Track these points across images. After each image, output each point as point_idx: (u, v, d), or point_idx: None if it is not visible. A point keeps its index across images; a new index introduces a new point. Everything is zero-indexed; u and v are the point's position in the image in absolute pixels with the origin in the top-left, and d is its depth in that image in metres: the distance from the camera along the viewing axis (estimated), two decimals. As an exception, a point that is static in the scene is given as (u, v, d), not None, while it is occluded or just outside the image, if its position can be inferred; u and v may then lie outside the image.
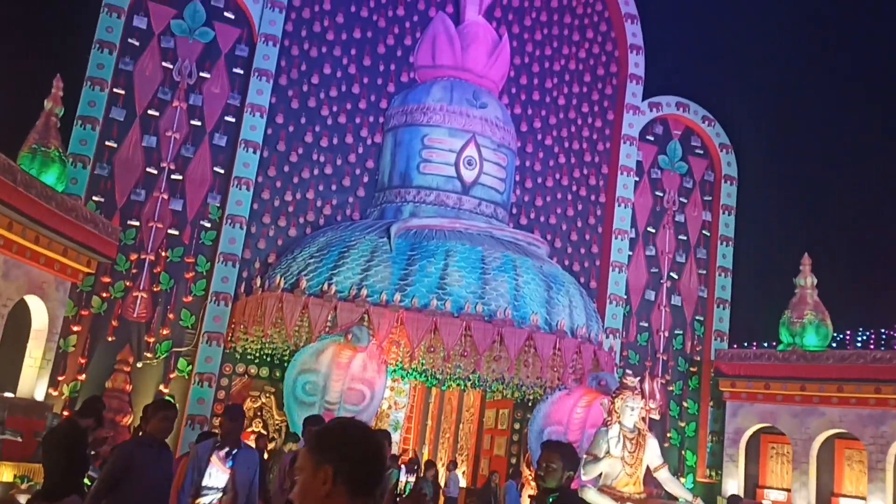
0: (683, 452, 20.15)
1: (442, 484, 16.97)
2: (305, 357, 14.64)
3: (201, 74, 17.61)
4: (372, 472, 2.74)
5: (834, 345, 19.32)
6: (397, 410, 17.75)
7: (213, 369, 16.33)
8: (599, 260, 20.49)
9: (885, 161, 26.78)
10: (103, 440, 11.31)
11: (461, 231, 16.67)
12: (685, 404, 20.48)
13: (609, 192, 20.82)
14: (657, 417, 18.51)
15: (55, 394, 15.18)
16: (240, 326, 15.94)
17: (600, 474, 9.99)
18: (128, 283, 16.39)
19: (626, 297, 20.26)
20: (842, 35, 30.48)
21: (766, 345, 19.82)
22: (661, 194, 21.49)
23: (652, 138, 21.70)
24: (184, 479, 6.76)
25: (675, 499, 11.08)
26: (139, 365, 16.13)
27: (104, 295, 16.16)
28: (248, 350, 16.15)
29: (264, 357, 16.36)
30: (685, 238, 21.49)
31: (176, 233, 16.90)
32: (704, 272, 21.47)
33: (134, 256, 16.50)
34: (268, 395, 16.72)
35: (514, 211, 19.66)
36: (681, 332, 20.90)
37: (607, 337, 19.10)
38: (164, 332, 16.44)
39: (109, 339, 16.03)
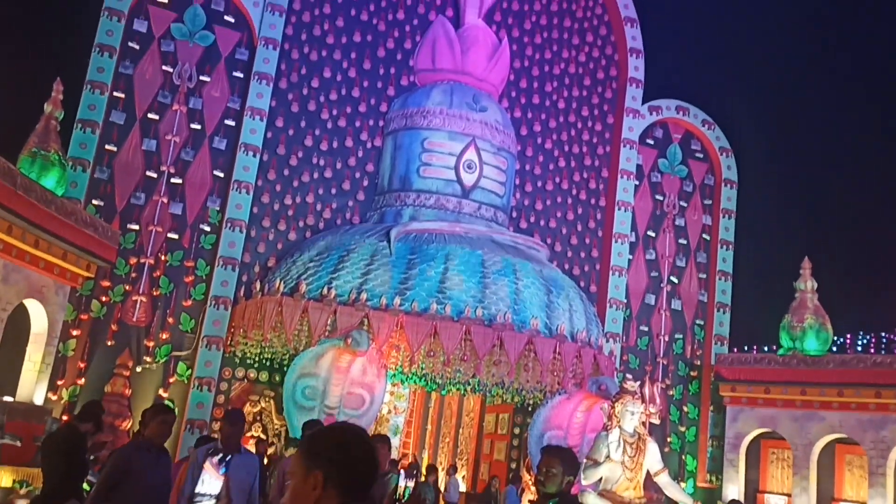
0: (684, 457, 20.12)
1: (442, 489, 16.94)
2: (305, 361, 14.62)
3: (201, 78, 17.61)
4: (363, 477, 2.73)
5: (834, 349, 19.29)
6: (397, 415, 17.73)
7: (212, 373, 16.31)
8: (599, 264, 20.48)
9: (886, 164, 26.79)
10: (102, 445, 11.28)
11: (461, 235, 16.65)
12: (685, 409, 20.45)
13: (609, 196, 20.82)
14: (657, 422, 18.50)
15: (54, 398, 15.16)
16: (239, 330, 15.92)
17: (600, 479, 9.97)
18: (127, 287, 16.37)
19: (626, 301, 20.24)
20: (841, 36, 30.51)
21: (766, 349, 19.79)
22: (661, 198, 21.48)
23: (652, 142, 21.71)
24: (183, 484, 6.74)
25: (676, 503, 11.05)
26: (138, 369, 16.11)
27: (104, 299, 16.15)
28: (248, 354, 16.12)
29: (264, 361, 16.33)
30: (685, 242, 21.48)
31: (175, 236, 16.88)
32: (704, 276, 21.45)
33: (133, 260, 16.49)
34: (267, 399, 16.70)
35: (514, 215, 19.65)
36: (681, 336, 20.88)
37: (607, 341, 19.08)
38: (164, 336, 16.42)
39: (109, 343, 16.01)
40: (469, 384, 16.83)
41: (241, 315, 16.00)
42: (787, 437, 18.80)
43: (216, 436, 14.85)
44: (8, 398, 13.63)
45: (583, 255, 20.41)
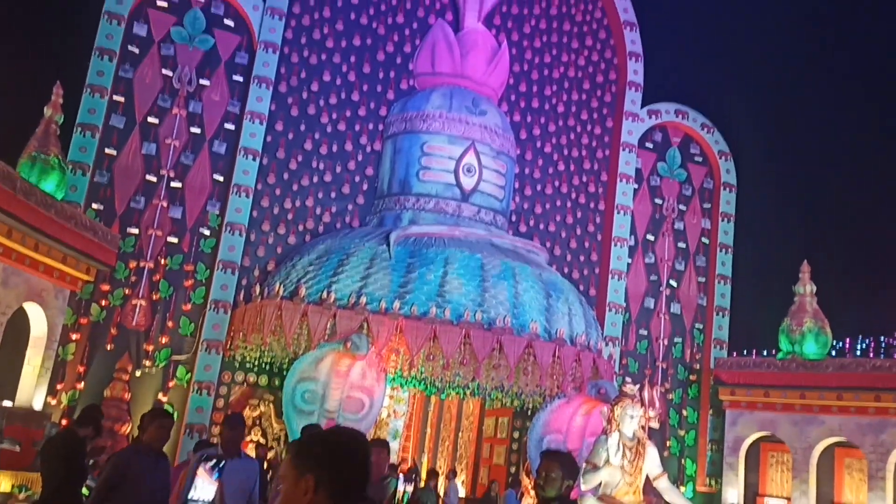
0: (683, 461, 20.12)
1: (441, 493, 16.92)
2: (304, 365, 14.62)
3: (201, 82, 17.63)
4: (355, 481, 2.72)
5: (833, 353, 19.29)
6: (396, 419, 17.71)
7: (211, 378, 16.30)
8: (599, 267, 20.48)
9: (885, 167, 26.80)
10: (101, 449, 11.28)
11: (460, 238, 16.66)
12: (685, 413, 20.45)
13: (608, 200, 20.83)
14: (657, 426, 18.51)
15: (53, 402, 15.14)
16: (239, 334, 15.91)
17: (600, 483, 9.96)
18: (127, 291, 16.37)
19: (625, 304, 20.24)
20: (840, 37, 30.52)
21: (765, 353, 19.79)
22: (660, 202, 21.50)
23: (651, 146, 21.72)
24: (182, 489, 6.73)
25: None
26: (138, 373, 16.10)
27: (103, 303, 16.14)
28: (248, 358, 16.12)
29: (263, 365, 16.34)
30: (684, 246, 21.49)
31: (175, 240, 16.88)
32: (704, 280, 21.46)
33: (133, 264, 16.49)
34: (267, 403, 16.69)
35: (514, 218, 19.66)
36: (680, 339, 20.88)
37: (606, 345, 19.08)
38: (163, 340, 16.41)
39: (108, 347, 16.00)
40: (468, 388, 16.83)
41: (241, 319, 16.00)
42: (786, 441, 18.80)
43: (215, 440, 14.87)
44: (7, 402, 13.63)
45: (582, 258, 20.41)
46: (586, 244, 20.53)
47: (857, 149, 28.76)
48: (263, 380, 16.77)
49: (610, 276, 20.13)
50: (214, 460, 6.03)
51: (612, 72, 21.69)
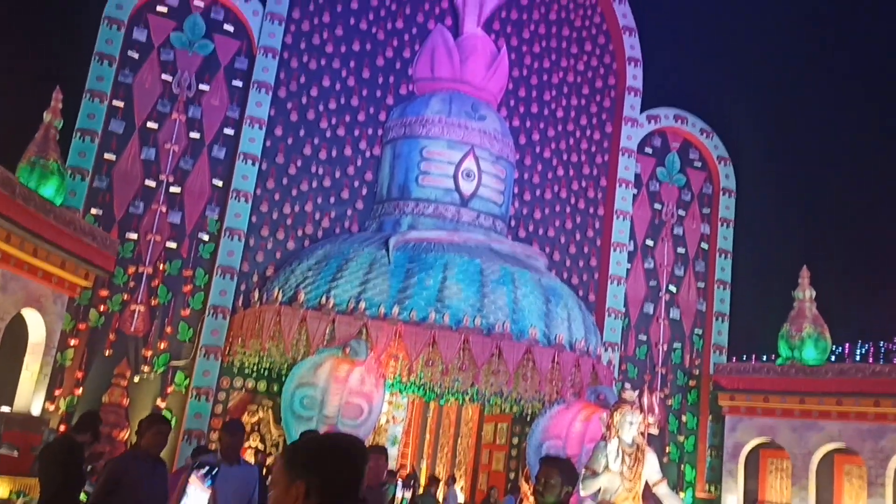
0: (682, 467, 20.08)
1: (440, 499, 16.89)
2: (303, 371, 14.60)
3: (200, 87, 17.63)
4: (347, 488, 2.70)
5: (833, 358, 19.27)
6: (395, 425, 17.68)
7: (210, 383, 16.27)
8: (598, 273, 20.47)
9: (885, 172, 26.83)
10: (100, 455, 11.24)
11: (459, 244, 16.65)
12: (684, 418, 20.42)
13: (607, 205, 20.83)
14: (656, 432, 18.44)
15: (52, 408, 15.10)
16: (237, 340, 15.88)
17: (599, 489, 9.94)
18: (125, 297, 16.35)
19: (624, 310, 20.22)
20: (840, 43, 30.56)
21: (764, 358, 19.77)
22: (659, 207, 21.50)
23: (650, 151, 21.73)
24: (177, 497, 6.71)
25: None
26: (136, 379, 16.07)
27: (102, 308, 16.12)
28: (246, 364, 16.09)
29: (262, 371, 16.31)
30: (683, 251, 21.48)
31: (174, 246, 16.87)
32: (703, 285, 21.45)
33: (132, 269, 16.47)
34: (266, 409, 16.65)
35: (513, 223, 19.65)
36: (679, 345, 20.86)
37: (606, 350, 19.06)
38: (162, 345, 16.38)
39: (107, 352, 15.97)
40: (467, 393, 16.81)
41: (240, 324, 15.98)
42: (785, 447, 18.77)
43: (214, 446, 14.84)
44: (5, 408, 13.60)
45: (581, 263, 20.41)
46: (585, 249, 20.52)
47: (857, 154, 28.79)
48: (262, 385, 16.74)
49: (609, 281, 20.12)
50: (207, 467, 5.99)
51: (611, 77, 21.71)
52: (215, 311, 16.51)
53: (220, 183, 17.38)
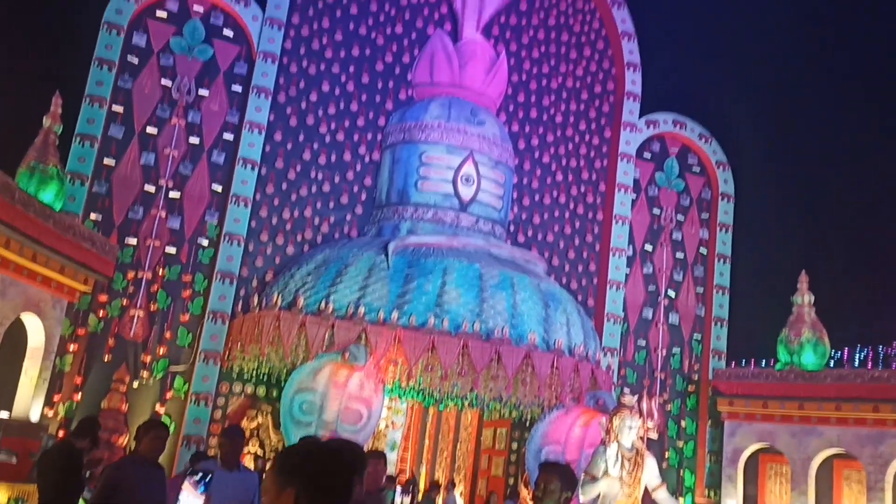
0: (682, 472, 20.07)
1: None
2: (302, 376, 14.59)
3: (200, 92, 17.65)
4: (337, 495, 2.68)
5: (832, 363, 19.26)
6: (394, 430, 17.66)
7: (209, 388, 16.26)
8: (597, 278, 20.48)
9: (885, 177, 26.85)
10: (99, 461, 11.24)
11: (458, 249, 16.65)
12: (683, 423, 20.41)
13: (606, 210, 20.85)
14: (655, 437, 18.41)
15: (50, 414, 15.09)
16: (237, 345, 15.88)
17: (599, 495, 9.94)
18: (125, 302, 16.34)
19: (623, 315, 20.23)
20: (840, 45, 30.59)
21: (763, 363, 19.76)
22: (658, 212, 21.51)
23: (649, 156, 21.75)
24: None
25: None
26: (135, 384, 16.05)
27: (101, 313, 16.11)
28: (246, 369, 16.07)
29: (261, 376, 16.30)
30: (682, 256, 21.49)
31: (173, 251, 16.87)
32: (702, 290, 21.46)
33: (131, 275, 16.47)
34: (265, 414, 16.64)
35: (512, 228, 19.66)
36: (678, 350, 20.86)
37: (605, 355, 19.06)
38: (161, 351, 16.38)
39: (106, 358, 15.96)
40: (467, 399, 16.80)
41: (239, 329, 15.98)
42: (785, 452, 18.76)
43: (213, 452, 14.82)
44: (4, 414, 13.59)
45: (580, 268, 20.41)
46: (584, 254, 20.53)
47: (856, 158, 28.81)
48: (261, 391, 16.73)
49: (608, 286, 20.13)
50: (200, 474, 5.99)
51: (609, 82, 21.75)
52: (214, 317, 16.50)
53: (219, 188, 17.39)
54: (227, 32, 18.13)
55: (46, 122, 14.90)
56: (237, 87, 17.93)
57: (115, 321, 16.19)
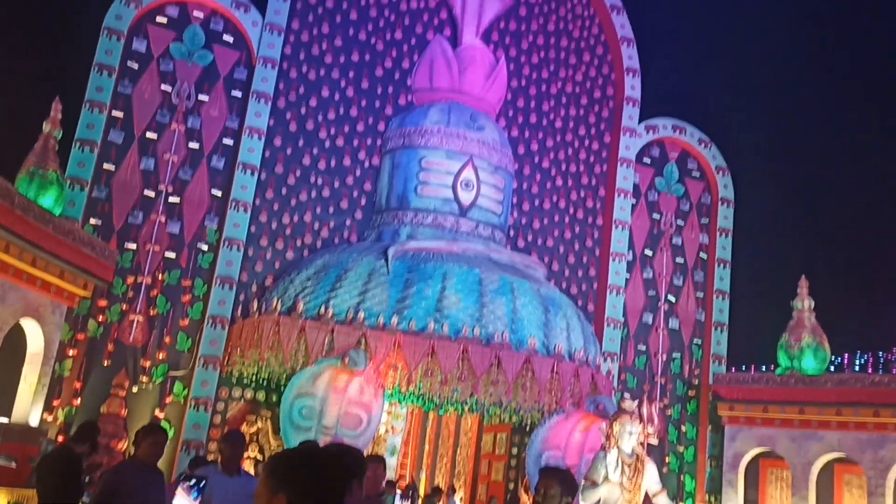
0: (682, 477, 20.03)
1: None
2: (302, 381, 14.57)
3: (200, 97, 17.66)
4: (329, 500, 2.68)
5: (832, 368, 19.26)
6: (394, 435, 17.63)
7: (209, 393, 16.24)
8: (597, 283, 20.47)
9: (886, 180, 26.86)
10: (98, 466, 11.22)
11: (458, 254, 16.65)
12: (683, 428, 20.38)
13: (606, 215, 20.85)
14: (655, 442, 18.42)
15: (50, 419, 15.06)
16: (236, 350, 15.87)
17: (599, 500, 9.92)
18: (124, 307, 16.33)
19: (623, 320, 20.21)
20: (839, 48, 30.63)
21: (764, 368, 19.76)
22: (658, 217, 21.52)
23: (648, 161, 21.76)
24: None
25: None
26: (135, 389, 16.03)
27: (100, 318, 16.10)
28: (245, 374, 16.07)
29: (261, 381, 16.28)
30: (682, 261, 21.49)
31: (173, 256, 16.87)
32: (702, 295, 21.45)
33: (130, 279, 16.46)
34: (264, 419, 16.62)
35: (512, 233, 19.66)
36: (678, 355, 20.84)
37: (605, 360, 19.04)
38: (161, 355, 16.36)
39: (105, 363, 15.94)
40: (467, 404, 16.79)
41: (239, 334, 15.96)
42: (785, 457, 18.74)
43: (212, 457, 14.80)
44: (3, 419, 13.57)
45: (580, 273, 20.41)
46: (584, 259, 20.53)
47: (856, 163, 28.84)
48: (261, 396, 16.71)
49: (608, 291, 20.12)
50: (194, 479, 5.98)
51: (609, 87, 21.77)
52: (214, 322, 16.49)
53: (219, 193, 17.40)
54: (227, 38, 18.16)
55: (46, 127, 14.92)
56: (237, 93, 17.94)
57: (114, 326, 16.18)
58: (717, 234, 21.73)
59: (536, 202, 20.31)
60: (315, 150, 18.41)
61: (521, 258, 18.02)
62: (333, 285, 15.56)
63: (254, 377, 16.05)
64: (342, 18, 19.26)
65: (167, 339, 16.46)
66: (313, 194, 18.20)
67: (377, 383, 14.84)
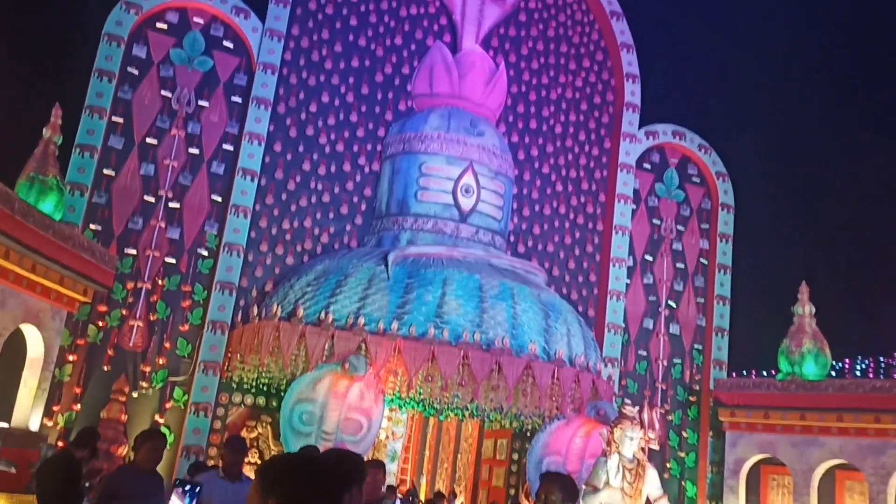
0: (683, 483, 20.00)
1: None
2: (302, 386, 14.55)
3: (200, 103, 17.68)
4: None
5: (833, 374, 19.24)
6: (395, 440, 17.61)
7: (209, 399, 16.22)
8: (597, 288, 20.46)
9: (887, 185, 26.85)
10: (98, 471, 11.19)
11: (459, 259, 16.64)
12: (684, 434, 20.35)
13: (606, 220, 20.85)
14: (656, 447, 18.38)
15: (50, 424, 15.04)
16: (236, 355, 15.85)
17: (600, 506, 9.90)
18: (124, 312, 16.32)
19: (624, 325, 20.20)
20: (840, 53, 30.65)
21: (765, 374, 19.73)
22: (658, 222, 21.52)
23: (649, 166, 21.77)
24: None
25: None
26: (135, 395, 16.01)
27: (100, 324, 16.09)
28: (245, 379, 16.04)
29: (261, 386, 16.26)
30: (683, 266, 21.48)
31: (173, 261, 16.86)
32: (703, 300, 21.44)
33: (130, 285, 16.45)
34: (264, 425, 16.60)
35: (512, 239, 19.66)
36: (679, 360, 20.82)
37: (606, 366, 19.02)
38: (161, 361, 16.34)
39: (105, 368, 15.93)
40: (467, 409, 16.75)
41: (239, 340, 15.95)
42: (786, 463, 18.69)
43: (212, 462, 14.78)
44: (3, 424, 13.55)
45: (580, 279, 20.40)
46: (585, 265, 20.52)
47: (857, 169, 28.83)
48: (261, 401, 16.69)
49: (608, 296, 20.11)
50: (189, 485, 5.95)
51: (609, 93, 21.79)
52: (214, 327, 16.48)
53: (219, 198, 17.39)
54: (227, 44, 18.18)
55: (46, 132, 14.91)
56: (237, 98, 17.95)
57: (114, 331, 16.16)
58: (718, 239, 21.74)
59: (536, 208, 20.31)
60: (315, 156, 18.42)
61: (522, 264, 18.01)
62: (333, 291, 15.55)
63: (254, 382, 16.02)
64: (342, 24, 19.29)
65: (167, 345, 16.44)
66: (313, 200, 18.19)
67: (377, 389, 14.82)
